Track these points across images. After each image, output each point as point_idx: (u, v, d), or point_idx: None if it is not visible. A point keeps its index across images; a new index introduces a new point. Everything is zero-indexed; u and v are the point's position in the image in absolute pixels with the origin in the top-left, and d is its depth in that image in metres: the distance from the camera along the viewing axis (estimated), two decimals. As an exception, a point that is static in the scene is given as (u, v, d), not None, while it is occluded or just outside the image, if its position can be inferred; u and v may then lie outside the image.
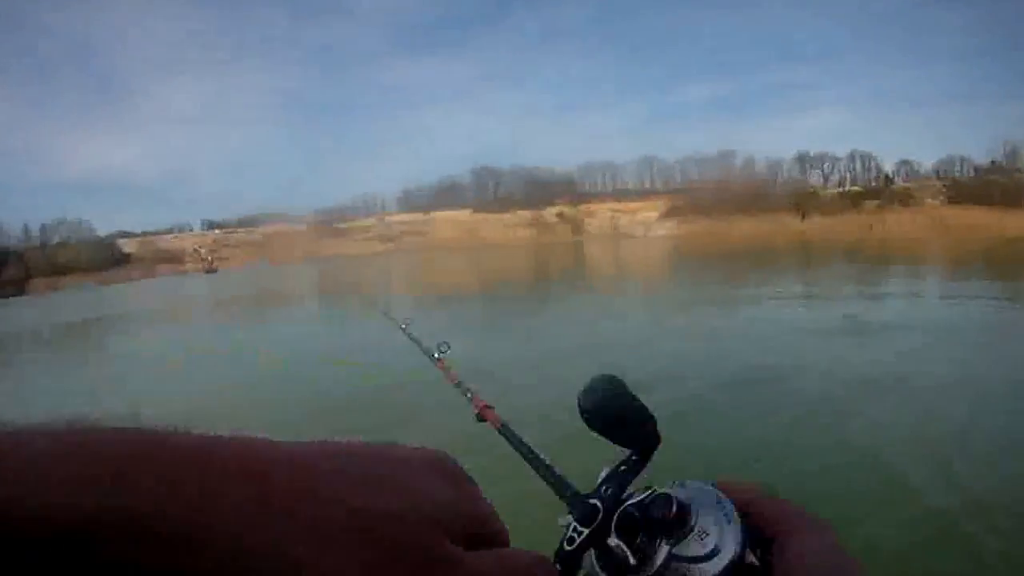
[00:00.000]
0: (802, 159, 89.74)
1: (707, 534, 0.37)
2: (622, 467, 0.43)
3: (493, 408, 1.23)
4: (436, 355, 1.68)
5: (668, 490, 0.40)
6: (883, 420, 6.41)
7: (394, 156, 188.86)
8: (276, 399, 8.96)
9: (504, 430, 0.96)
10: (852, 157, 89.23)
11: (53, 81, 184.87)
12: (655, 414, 0.41)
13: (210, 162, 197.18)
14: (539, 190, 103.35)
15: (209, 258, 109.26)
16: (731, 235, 61.05)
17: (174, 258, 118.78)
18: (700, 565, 0.37)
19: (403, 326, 1.99)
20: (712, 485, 0.41)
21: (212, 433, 0.29)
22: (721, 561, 0.37)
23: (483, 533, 0.34)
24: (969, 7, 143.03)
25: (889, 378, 7.88)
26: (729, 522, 0.38)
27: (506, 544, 0.37)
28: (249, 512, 0.27)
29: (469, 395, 1.39)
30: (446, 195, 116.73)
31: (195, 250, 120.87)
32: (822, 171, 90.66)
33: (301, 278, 47.62)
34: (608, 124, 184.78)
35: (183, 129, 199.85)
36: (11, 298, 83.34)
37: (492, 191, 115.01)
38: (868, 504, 4.75)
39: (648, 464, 0.42)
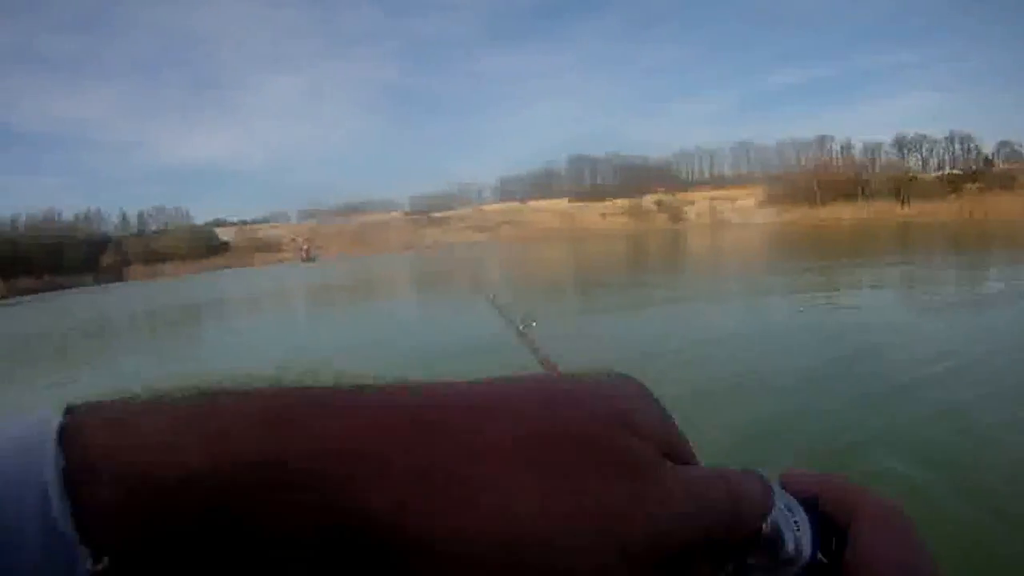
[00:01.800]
0: (900, 142, 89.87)
1: (780, 540, 0.35)
2: None
3: None
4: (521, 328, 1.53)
5: None
6: None
7: (490, 145, 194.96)
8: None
9: None
10: (951, 139, 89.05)
11: (153, 73, 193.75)
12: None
13: (307, 152, 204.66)
14: (635, 178, 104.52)
15: (307, 247, 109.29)
16: (833, 222, 61.65)
17: (271, 247, 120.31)
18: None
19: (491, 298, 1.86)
20: (779, 483, 0.38)
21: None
22: (793, 567, 0.35)
23: (675, 454, 0.33)
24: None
25: None
26: (799, 527, 0.36)
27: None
28: (406, 448, 0.25)
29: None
30: (542, 184, 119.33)
31: (292, 239, 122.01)
32: (920, 154, 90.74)
33: (408, 267, 47.28)
34: (703, 110, 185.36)
35: (280, 120, 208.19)
36: (109, 284, 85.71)
37: (588, 179, 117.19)
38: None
39: None
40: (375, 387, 0.28)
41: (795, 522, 0.36)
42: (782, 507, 0.36)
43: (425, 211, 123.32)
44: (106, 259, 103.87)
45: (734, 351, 9.24)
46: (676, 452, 0.32)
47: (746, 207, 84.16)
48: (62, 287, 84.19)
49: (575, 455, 0.26)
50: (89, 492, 0.22)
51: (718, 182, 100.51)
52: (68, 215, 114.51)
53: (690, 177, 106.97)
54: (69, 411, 0.24)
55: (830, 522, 0.37)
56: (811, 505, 0.37)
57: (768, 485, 0.35)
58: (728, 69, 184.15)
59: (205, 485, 0.23)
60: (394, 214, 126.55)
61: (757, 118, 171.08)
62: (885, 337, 9.51)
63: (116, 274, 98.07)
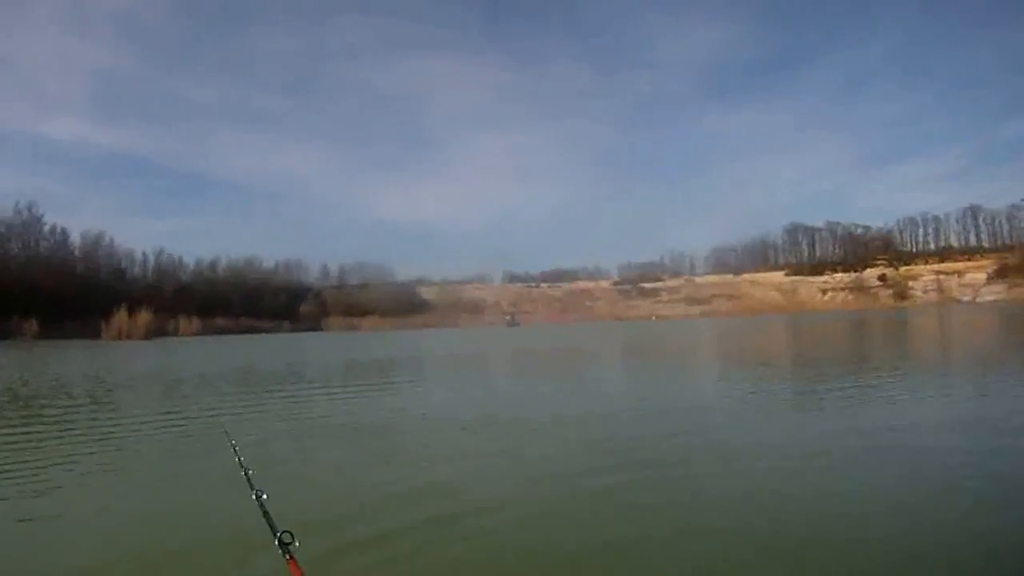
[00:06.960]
0: None
1: None
2: None
3: None
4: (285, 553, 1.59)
5: None
6: None
7: (701, 211, 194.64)
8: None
9: None
10: None
11: (365, 133, 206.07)
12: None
13: (512, 214, 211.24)
14: (856, 249, 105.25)
15: (512, 312, 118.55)
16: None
17: (475, 308, 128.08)
18: None
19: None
20: None
21: None
22: None
23: None
24: None
25: None
26: None
27: None
28: None
29: None
30: (757, 255, 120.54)
31: (496, 303, 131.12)
32: None
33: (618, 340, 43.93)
34: (926, 171, 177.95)
35: (486, 181, 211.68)
36: (306, 332, 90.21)
37: (805, 250, 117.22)
38: None
39: None
40: None
41: None
42: None
43: (634, 281, 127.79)
44: (305, 307, 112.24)
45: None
46: None
47: (975, 282, 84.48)
48: (257, 330, 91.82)
49: None
50: None
51: (946, 253, 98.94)
52: (269, 263, 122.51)
53: (913, 248, 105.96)
54: None
55: None
56: None
57: None
58: (954, 122, 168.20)
59: None
60: (602, 283, 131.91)
61: (987, 176, 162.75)
62: None
63: (314, 323, 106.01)
